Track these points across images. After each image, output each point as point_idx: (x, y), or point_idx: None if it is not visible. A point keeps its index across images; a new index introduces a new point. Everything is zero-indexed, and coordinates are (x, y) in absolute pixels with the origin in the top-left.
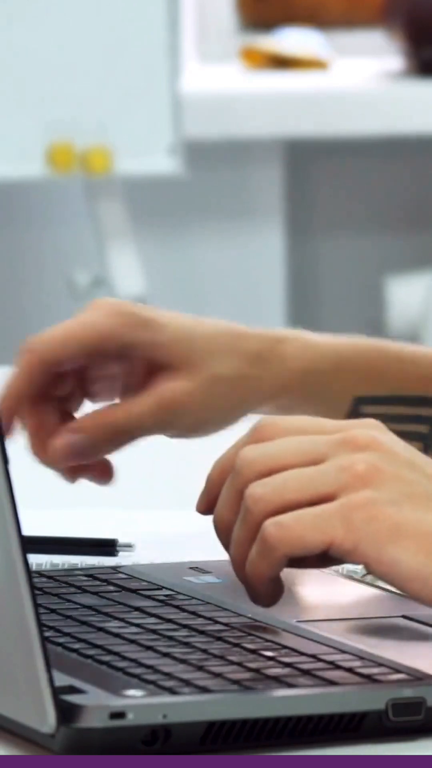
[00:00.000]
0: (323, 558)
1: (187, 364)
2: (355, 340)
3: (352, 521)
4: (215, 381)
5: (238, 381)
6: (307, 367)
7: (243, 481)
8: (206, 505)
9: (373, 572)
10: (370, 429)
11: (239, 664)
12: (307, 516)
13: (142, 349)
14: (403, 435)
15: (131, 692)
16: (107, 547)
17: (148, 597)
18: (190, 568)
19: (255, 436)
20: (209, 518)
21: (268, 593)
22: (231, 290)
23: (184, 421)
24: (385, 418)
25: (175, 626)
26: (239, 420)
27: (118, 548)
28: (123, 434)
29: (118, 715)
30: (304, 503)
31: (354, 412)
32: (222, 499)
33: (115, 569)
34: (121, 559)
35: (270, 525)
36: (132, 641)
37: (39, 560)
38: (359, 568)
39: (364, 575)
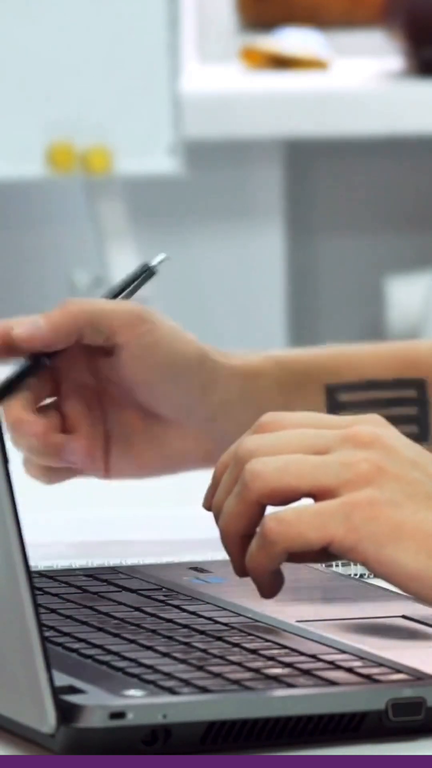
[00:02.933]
0: (323, 553)
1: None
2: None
3: (353, 520)
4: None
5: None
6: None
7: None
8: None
9: (373, 571)
10: (374, 426)
11: (239, 664)
12: (308, 513)
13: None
14: (393, 420)
15: (131, 692)
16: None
17: (148, 597)
18: (190, 568)
19: (258, 429)
20: (209, 518)
21: (268, 585)
22: (231, 290)
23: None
24: (366, 404)
25: (174, 626)
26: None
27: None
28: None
29: (118, 715)
30: (302, 491)
31: (332, 402)
32: (222, 486)
33: (115, 569)
34: (122, 559)
35: (270, 520)
36: (132, 641)
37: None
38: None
39: (362, 575)
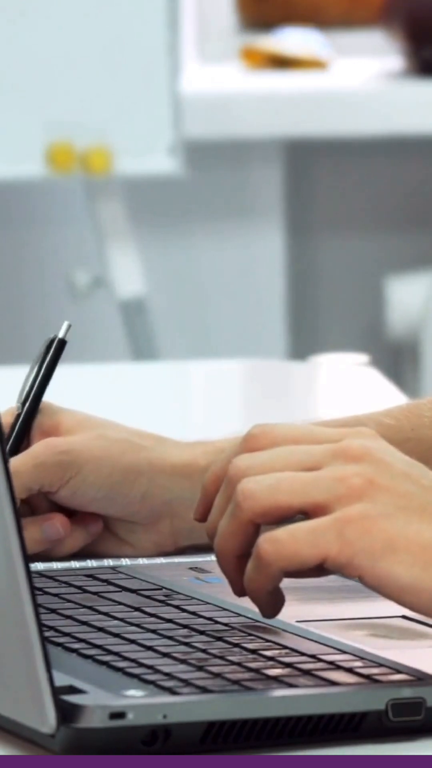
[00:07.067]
0: (319, 569)
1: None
2: None
3: (347, 536)
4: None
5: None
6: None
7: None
8: (203, 514)
9: (368, 585)
10: (364, 439)
11: (239, 664)
12: (301, 531)
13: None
14: None
15: (131, 692)
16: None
17: (148, 597)
18: (190, 568)
19: (247, 445)
20: None
21: (268, 605)
22: (231, 290)
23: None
24: None
25: (174, 626)
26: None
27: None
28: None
29: (118, 715)
30: (295, 509)
31: None
32: (215, 507)
33: (115, 569)
34: (121, 559)
35: (264, 541)
36: (132, 641)
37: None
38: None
39: None
